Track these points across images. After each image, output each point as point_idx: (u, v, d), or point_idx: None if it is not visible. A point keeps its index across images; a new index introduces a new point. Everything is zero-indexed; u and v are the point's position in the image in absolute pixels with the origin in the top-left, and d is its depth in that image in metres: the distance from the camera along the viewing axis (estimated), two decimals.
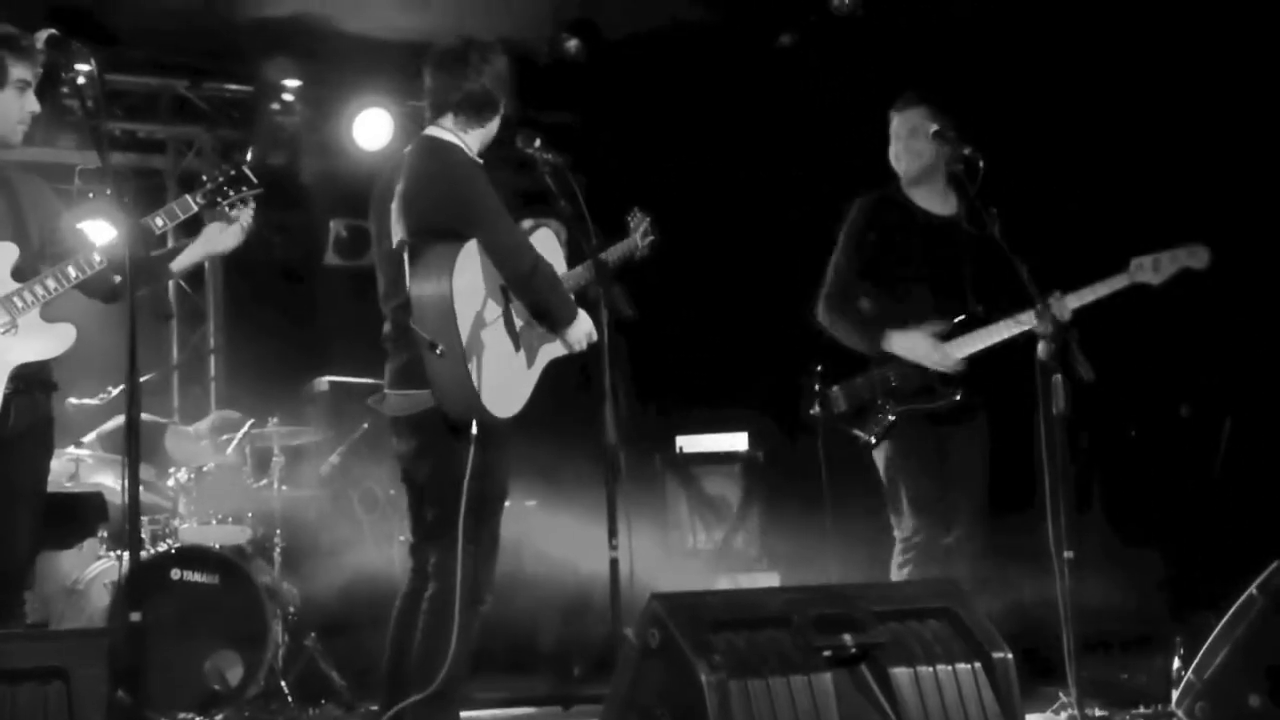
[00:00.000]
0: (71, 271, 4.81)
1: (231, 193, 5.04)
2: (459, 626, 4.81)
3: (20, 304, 4.76)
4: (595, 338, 5.06)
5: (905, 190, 6.10)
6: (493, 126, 5.17)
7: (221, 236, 5.13)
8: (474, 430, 4.82)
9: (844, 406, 5.90)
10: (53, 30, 4.53)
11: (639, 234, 5.65)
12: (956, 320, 5.83)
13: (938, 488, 5.83)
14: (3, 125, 4.90)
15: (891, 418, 5.83)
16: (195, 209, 5.01)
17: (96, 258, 4.83)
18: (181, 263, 5.20)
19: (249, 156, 5.14)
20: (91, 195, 8.71)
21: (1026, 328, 5.64)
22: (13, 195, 4.94)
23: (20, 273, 4.83)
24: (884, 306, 5.96)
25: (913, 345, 5.85)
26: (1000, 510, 6.05)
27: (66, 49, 4.55)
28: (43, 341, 4.83)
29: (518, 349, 5.01)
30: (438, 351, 4.76)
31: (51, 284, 4.79)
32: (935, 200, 6.09)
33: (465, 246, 4.85)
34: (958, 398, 5.80)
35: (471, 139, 5.13)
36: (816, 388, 5.93)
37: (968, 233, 5.96)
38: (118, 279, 4.85)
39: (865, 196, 6.13)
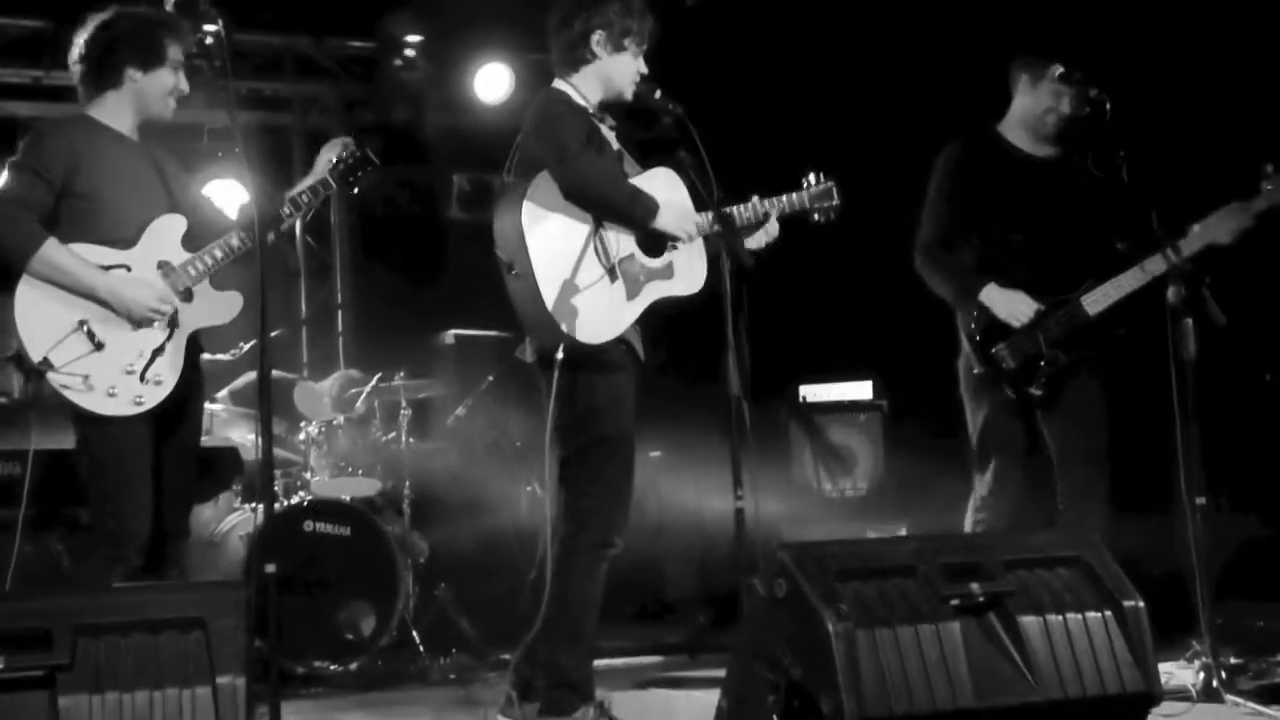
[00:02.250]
0: (235, 242, 5.03)
1: (360, 174, 5.33)
2: (570, 566, 4.93)
3: (193, 273, 4.99)
4: (704, 227, 5.04)
5: (1002, 131, 5.96)
6: (608, 72, 5.12)
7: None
8: (559, 355, 4.85)
9: (1012, 363, 5.77)
10: None
11: (809, 194, 5.43)
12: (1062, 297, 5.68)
13: (1022, 468, 5.80)
14: (158, 103, 5.11)
15: (1061, 363, 5.69)
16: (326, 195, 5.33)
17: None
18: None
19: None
20: (220, 154, 8.86)
21: (1154, 275, 5.50)
22: (160, 170, 5.14)
23: (187, 243, 5.04)
24: (983, 254, 5.83)
25: (1009, 301, 5.73)
26: (1135, 461, 5.94)
27: (194, 10, 4.69)
28: (214, 309, 5.08)
29: (614, 278, 4.96)
30: (514, 272, 4.84)
31: (219, 254, 5.02)
32: (1031, 141, 5.93)
33: (542, 173, 4.88)
34: (1120, 334, 5.68)
35: (585, 86, 5.13)
36: (980, 346, 5.76)
37: (1071, 174, 5.83)
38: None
39: (957, 140, 6.00)
